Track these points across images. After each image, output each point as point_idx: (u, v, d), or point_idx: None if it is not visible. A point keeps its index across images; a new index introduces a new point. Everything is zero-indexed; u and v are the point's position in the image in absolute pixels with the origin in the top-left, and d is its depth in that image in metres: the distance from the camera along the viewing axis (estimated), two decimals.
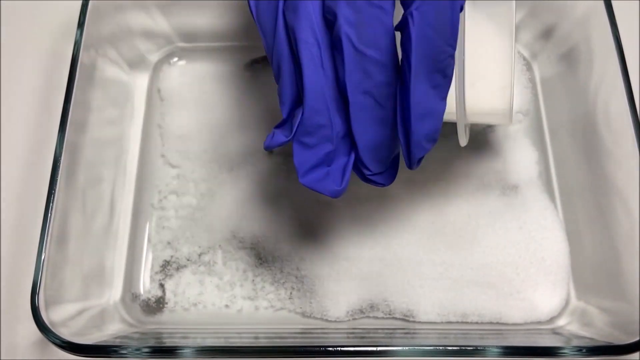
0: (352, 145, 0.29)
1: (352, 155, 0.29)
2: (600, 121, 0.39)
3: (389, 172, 0.31)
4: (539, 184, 0.42)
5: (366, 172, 0.29)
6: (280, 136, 0.28)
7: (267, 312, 0.39)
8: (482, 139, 0.43)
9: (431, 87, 0.26)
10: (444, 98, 0.27)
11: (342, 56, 0.26)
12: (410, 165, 0.29)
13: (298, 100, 0.28)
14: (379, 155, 0.29)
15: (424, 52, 0.25)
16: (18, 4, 0.49)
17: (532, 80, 0.45)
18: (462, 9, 0.26)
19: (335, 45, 0.26)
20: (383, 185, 0.31)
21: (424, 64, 0.26)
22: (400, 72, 0.27)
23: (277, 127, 0.29)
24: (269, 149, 0.29)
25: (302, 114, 0.27)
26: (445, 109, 0.28)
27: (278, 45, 0.28)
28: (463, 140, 0.33)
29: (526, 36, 0.46)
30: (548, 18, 0.43)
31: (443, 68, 0.26)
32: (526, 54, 0.46)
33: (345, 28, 0.26)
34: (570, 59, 0.42)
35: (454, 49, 0.26)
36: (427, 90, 0.26)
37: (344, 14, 0.25)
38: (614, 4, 0.38)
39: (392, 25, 0.26)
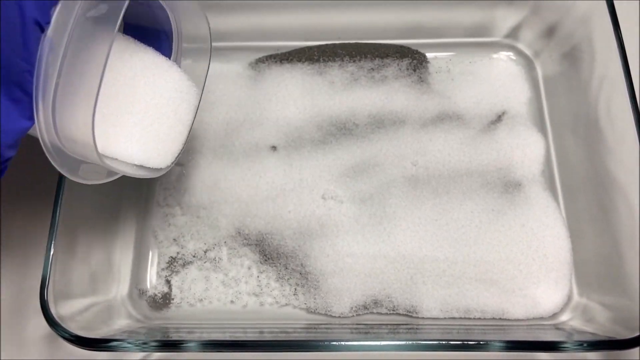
0: None
1: None
2: (602, 119, 0.39)
3: None
4: (542, 181, 0.42)
5: None
6: None
7: (271, 308, 0.39)
8: (485, 137, 0.43)
9: (8, 98, 0.25)
10: (27, 117, 0.26)
11: None
12: None
13: None
14: None
15: None
16: None
17: (534, 78, 0.46)
18: (43, 30, 0.25)
19: None
20: None
21: None
22: None
23: None
24: None
25: None
26: (27, 126, 0.27)
27: None
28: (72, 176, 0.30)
29: (529, 34, 0.46)
30: (550, 17, 0.44)
31: (20, 82, 0.25)
32: (529, 52, 0.46)
33: None
34: (573, 58, 0.43)
35: (32, 66, 0.25)
36: None
37: None
38: (616, 2, 0.38)
39: None
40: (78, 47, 0.26)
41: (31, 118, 0.27)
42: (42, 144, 0.28)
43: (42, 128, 0.27)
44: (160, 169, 0.34)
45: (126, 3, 0.27)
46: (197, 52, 0.37)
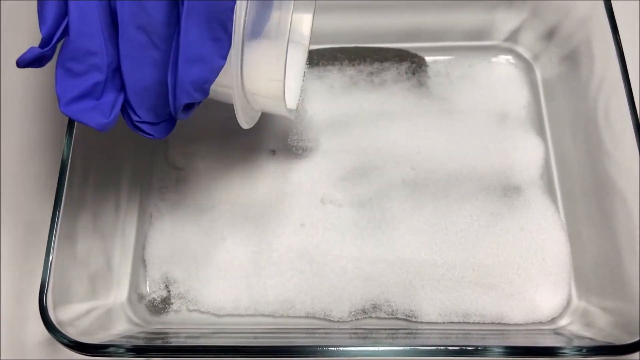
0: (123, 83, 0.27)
1: (123, 94, 0.27)
2: (601, 122, 0.39)
3: (164, 125, 0.29)
4: (541, 185, 0.42)
5: (134, 117, 0.27)
6: (35, 51, 0.26)
7: (270, 313, 0.39)
8: (484, 140, 0.43)
9: (210, 37, 0.25)
10: (223, 57, 0.26)
11: None
12: (174, 112, 0.27)
13: (63, 19, 0.26)
14: (149, 101, 0.27)
15: None
16: (22, 4, 0.49)
17: (533, 82, 0.46)
18: None
19: None
20: (152, 136, 0.29)
21: (200, 6, 0.24)
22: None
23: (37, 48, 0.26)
24: (20, 65, 0.26)
25: (68, 36, 0.25)
26: (222, 65, 0.26)
27: None
28: (242, 122, 0.32)
29: (528, 37, 0.46)
30: (550, 20, 0.44)
31: (223, 20, 0.25)
32: (528, 55, 0.46)
33: None
34: (572, 61, 0.43)
35: (234, 1, 0.25)
36: (202, 38, 0.25)
37: None
38: (614, 5, 0.38)
39: None
40: None
41: (222, 57, 0.26)
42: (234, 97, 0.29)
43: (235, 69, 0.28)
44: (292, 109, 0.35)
45: None
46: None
